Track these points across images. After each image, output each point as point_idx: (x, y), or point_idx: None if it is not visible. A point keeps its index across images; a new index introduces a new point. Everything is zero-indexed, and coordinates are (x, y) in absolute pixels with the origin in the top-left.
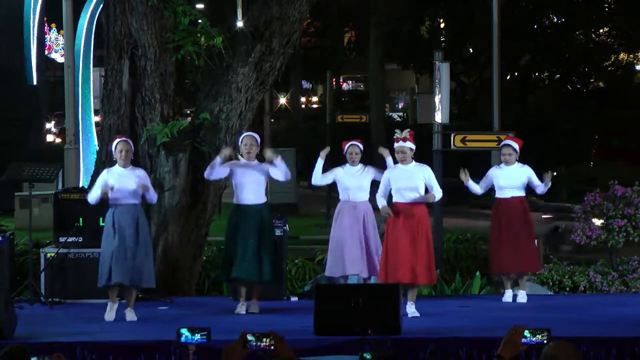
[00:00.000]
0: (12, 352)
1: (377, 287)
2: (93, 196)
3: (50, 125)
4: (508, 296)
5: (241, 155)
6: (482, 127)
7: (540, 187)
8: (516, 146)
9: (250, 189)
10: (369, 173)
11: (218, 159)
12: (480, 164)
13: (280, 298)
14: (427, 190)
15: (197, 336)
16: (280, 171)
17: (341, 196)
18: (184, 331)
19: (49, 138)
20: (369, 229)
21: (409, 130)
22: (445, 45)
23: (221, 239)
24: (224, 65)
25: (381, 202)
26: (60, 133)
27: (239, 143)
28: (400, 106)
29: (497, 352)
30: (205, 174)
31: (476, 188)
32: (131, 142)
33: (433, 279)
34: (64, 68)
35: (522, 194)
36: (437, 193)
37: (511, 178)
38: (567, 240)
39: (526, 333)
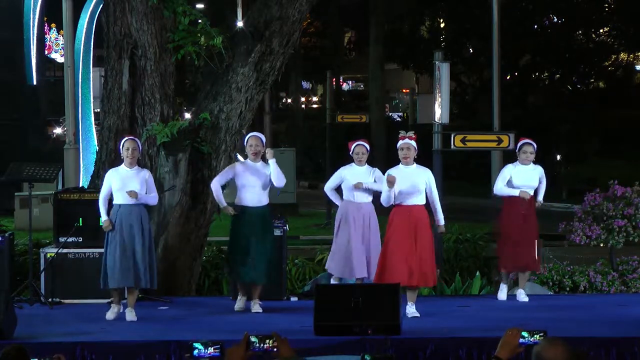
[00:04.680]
0: (11, 353)
1: (377, 287)
2: (100, 206)
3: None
4: (504, 293)
5: (245, 156)
6: (482, 127)
7: (542, 188)
8: (535, 146)
9: (254, 192)
10: (375, 176)
11: (221, 202)
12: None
13: (280, 298)
14: (427, 194)
15: (210, 350)
16: (273, 174)
17: (345, 196)
18: (197, 345)
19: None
20: (372, 232)
21: (413, 132)
22: (445, 45)
23: (221, 239)
24: (224, 65)
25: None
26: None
27: (244, 143)
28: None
29: (495, 354)
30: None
31: (507, 190)
32: (139, 141)
33: (430, 282)
34: (64, 68)
35: (532, 193)
36: (436, 198)
37: (527, 178)
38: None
39: (524, 333)
